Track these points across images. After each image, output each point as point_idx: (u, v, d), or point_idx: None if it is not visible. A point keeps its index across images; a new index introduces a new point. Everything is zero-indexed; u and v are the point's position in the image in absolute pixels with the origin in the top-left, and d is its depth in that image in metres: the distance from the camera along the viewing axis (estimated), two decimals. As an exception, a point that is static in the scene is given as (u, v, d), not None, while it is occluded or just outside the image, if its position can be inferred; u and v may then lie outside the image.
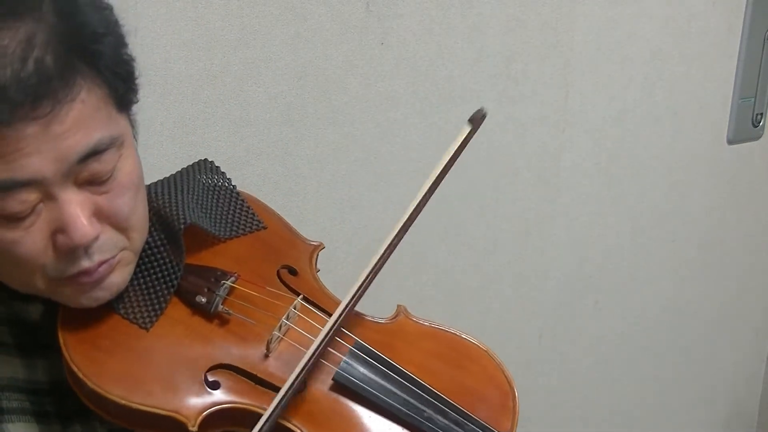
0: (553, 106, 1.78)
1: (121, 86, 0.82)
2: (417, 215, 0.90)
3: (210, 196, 1.00)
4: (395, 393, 0.88)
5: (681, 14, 1.93)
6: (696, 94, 2.03)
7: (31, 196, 0.77)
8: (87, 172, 0.79)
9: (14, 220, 0.78)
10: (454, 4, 1.56)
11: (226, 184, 1.03)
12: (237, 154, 1.38)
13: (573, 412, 2.08)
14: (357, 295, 0.88)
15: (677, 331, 2.24)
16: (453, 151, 0.91)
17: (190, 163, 1.04)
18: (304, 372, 0.84)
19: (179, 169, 1.03)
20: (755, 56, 2.10)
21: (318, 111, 1.46)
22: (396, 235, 0.89)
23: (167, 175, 1.01)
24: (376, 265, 0.89)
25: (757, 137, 2.21)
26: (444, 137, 1.61)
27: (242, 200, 1.02)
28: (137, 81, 0.85)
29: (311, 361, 0.84)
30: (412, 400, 0.87)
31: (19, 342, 0.91)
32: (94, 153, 0.78)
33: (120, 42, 0.82)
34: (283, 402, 0.82)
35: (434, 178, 0.90)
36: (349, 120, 1.50)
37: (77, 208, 0.79)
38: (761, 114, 2.18)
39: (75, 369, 0.84)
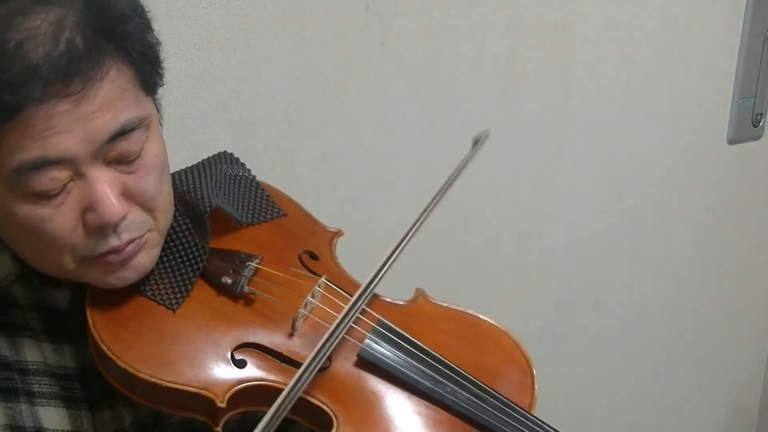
0: (553, 106, 1.78)
1: (147, 68, 0.84)
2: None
3: (232, 185, 1.03)
4: (418, 368, 0.89)
5: (681, 14, 1.93)
6: (696, 94, 2.03)
7: (61, 174, 0.79)
8: (115, 151, 0.81)
9: (45, 197, 0.80)
10: (454, 4, 1.56)
11: (246, 174, 1.05)
12: (237, 154, 1.38)
13: (573, 412, 2.08)
14: (382, 272, 0.89)
15: (677, 331, 2.24)
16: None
17: (211, 155, 1.06)
18: (327, 347, 0.85)
19: (200, 160, 1.04)
20: (755, 56, 2.10)
21: (318, 111, 1.46)
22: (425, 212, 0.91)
23: (189, 165, 1.03)
24: (402, 242, 0.90)
25: (757, 137, 2.21)
26: (444, 137, 1.61)
27: (262, 189, 1.04)
28: (163, 65, 0.87)
29: (335, 336, 0.85)
30: (435, 375, 0.89)
31: (48, 328, 0.93)
32: (123, 133, 0.81)
33: (146, 25, 0.84)
34: (305, 377, 0.83)
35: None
36: (349, 120, 1.50)
37: (106, 187, 0.81)
38: (761, 114, 2.18)
39: (104, 348, 0.85)
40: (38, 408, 0.91)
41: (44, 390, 0.92)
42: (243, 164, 1.06)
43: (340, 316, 0.86)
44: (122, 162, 0.82)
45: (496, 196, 1.75)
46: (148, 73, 0.84)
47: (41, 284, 0.92)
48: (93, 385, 0.93)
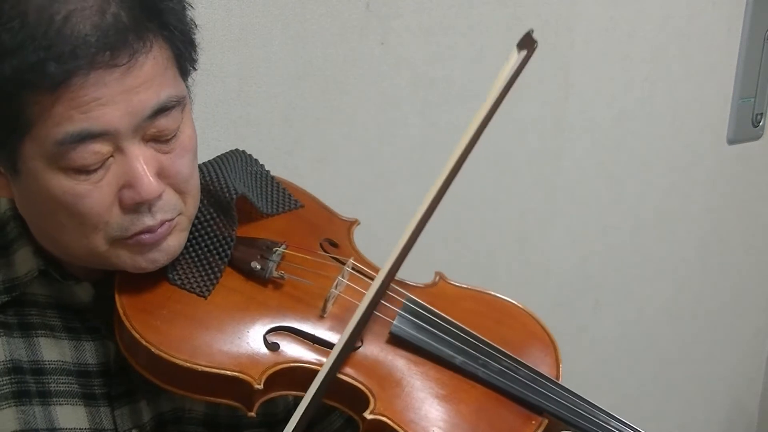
0: (553, 106, 1.78)
1: (185, 49, 0.86)
2: (462, 163, 0.89)
3: (250, 179, 1.04)
4: (450, 342, 0.90)
5: (681, 14, 1.93)
6: (696, 94, 2.03)
7: (103, 148, 0.80)
8: (155, 128, 0.82)
9: (84, 173, 0.81)
10: (454, 4, 1.56)
11: (261, 170, 1.06)
12: (237, 154, 1.38)
13: (573, 412, 2.08)
14: (406, 247, 0.88)
15: (677, 331, 2.24)
16: (505, 83, 0.91)
17: (224, 152, 1.06)
18: (361, 325, 0.85)
19: (217, 156, 1.05)
20: (755, 56, 2.10)
21: (318, 111, 1.46)
22: (447, 177, 0.89)
23: (205, 161, 1.03)
24: (424, 215, 0.90)
25: (757, 137, 2.21)
26: (444, 137, 1.61)
27: (278, 183, 1.06)
28: (197, 47, 0.89)
29: (368, 313, 0.86)
30: (466, 348, 0.90)
31: (68, 325, 0.93)
32: (163, 109, 0.82)
33: (184, 5, 0.86)
34: (340, 356, 0.84)
35: (488, 110, 0.92)
36: (349, 120, 1.50)
37: (144, 164, 0.82)
38: (761, 114, 2.18)
39: (137, 336, 0.86)
40: (54, 408, 0.91)
41: (62, 389, 0.92)
42: (256, 160, 1.07)
43: (370, 293, 0.87)
44: (159, 140, 0.84)
45: (496, 196, 1.75)
46: (186, 54, 0.86)
47: (63, 279, 0.92)
48: (113, 381, 0.94)
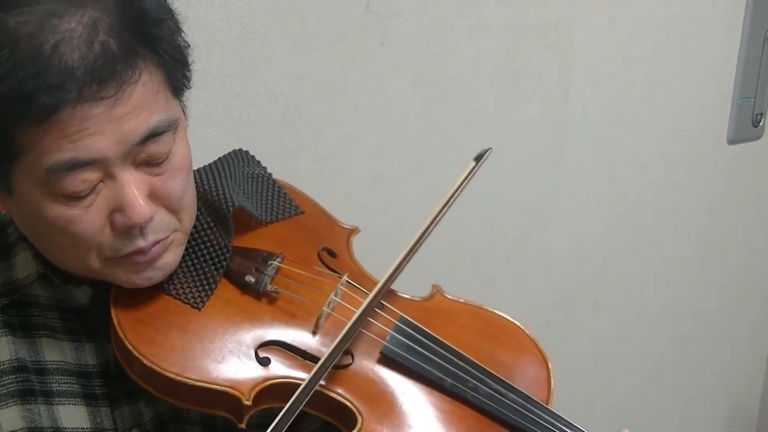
0: (553, 106, 1.78)
1: (178, 71, 0.85)
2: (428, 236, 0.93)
3: (250, 183, 1.03)
4: (440, 365, 0.91)
5: (681, 14, 1.93)
6: (696, 94, 2.03)
7: (92, 176, 0.80)
8: (145, 153, 0.82)
9: (75, 198, 0.81)
10: (454, 4, 1.56)
11: (263, 172, 1.06)
12: (237, 154, 1.38)
13: (572, 413, 2.08)
14: (399, 267, 0.90)
15: (677, 331, 2.24)
16: (456, 187, 0.96)
17: (227, 153, 1.06)
18: (344, 343, 0.86)
19: (218, 158, 1.05)
20: (755, 56, 2.10)
21: (318, 111, 1.46)
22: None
23: (207, 163, 1.03)
24: (418, 240, 0.92)
25: (757, 137, 2.21)
26: (444, 137, 1.61)
27: (279, 187, 1.05)
28: (191, 67, 0.88)
29: (353, 331, 0.86)
30: (456, 371, 0.91)
31: (68, 326, 0.94)
32: (153, 135, 0.82)
33: (177, 28, 0.85)
34: (323, 369, 0.84)
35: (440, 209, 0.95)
36: (349, 120, 1.50)
37: (135, 188, 0.82)
38: (761, 114, 2.18)
39: (131, 348, 0.86)
40: (57, 407, 0.92)
41: (63, 389, 0.93)
42: (259, 162, 1.07)
43: (357, 313, 0.87)
44: (151, 164, 0.83)
45: (496, 196, 1.75)
46: (178, 75, 0.85)
47: (63, 283, 0.92)
48: (113, 382, 0.94)
